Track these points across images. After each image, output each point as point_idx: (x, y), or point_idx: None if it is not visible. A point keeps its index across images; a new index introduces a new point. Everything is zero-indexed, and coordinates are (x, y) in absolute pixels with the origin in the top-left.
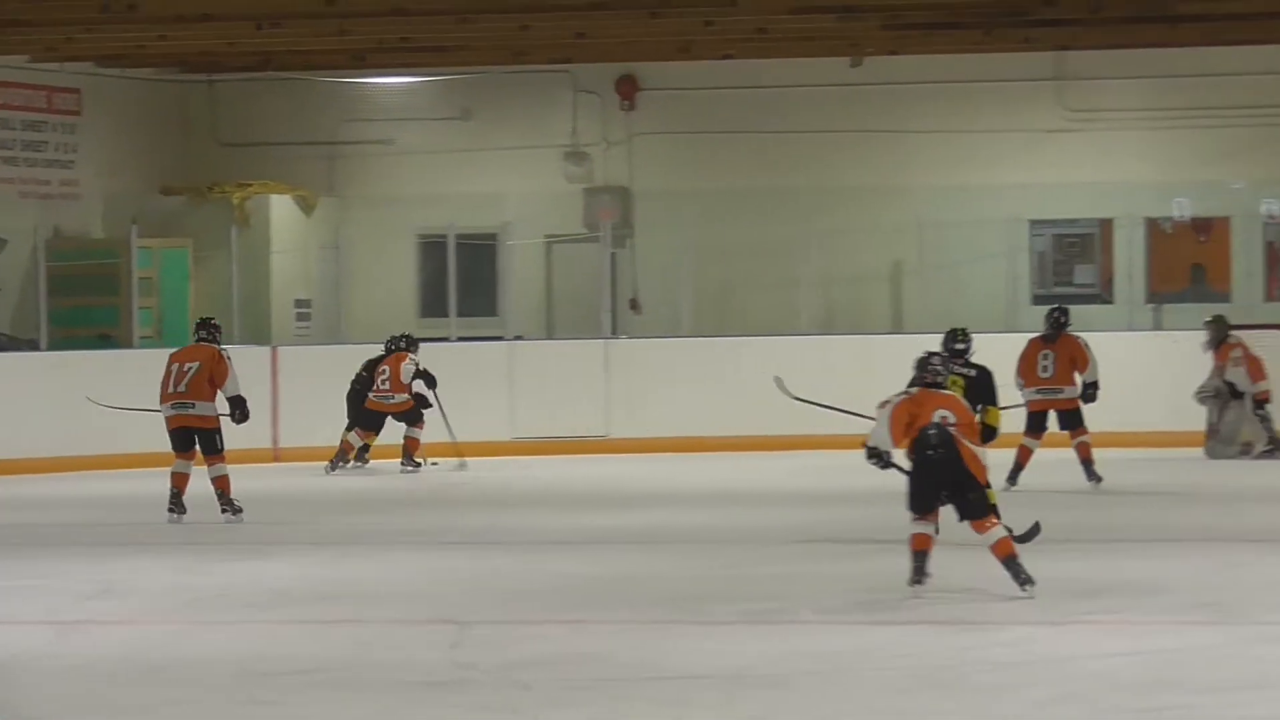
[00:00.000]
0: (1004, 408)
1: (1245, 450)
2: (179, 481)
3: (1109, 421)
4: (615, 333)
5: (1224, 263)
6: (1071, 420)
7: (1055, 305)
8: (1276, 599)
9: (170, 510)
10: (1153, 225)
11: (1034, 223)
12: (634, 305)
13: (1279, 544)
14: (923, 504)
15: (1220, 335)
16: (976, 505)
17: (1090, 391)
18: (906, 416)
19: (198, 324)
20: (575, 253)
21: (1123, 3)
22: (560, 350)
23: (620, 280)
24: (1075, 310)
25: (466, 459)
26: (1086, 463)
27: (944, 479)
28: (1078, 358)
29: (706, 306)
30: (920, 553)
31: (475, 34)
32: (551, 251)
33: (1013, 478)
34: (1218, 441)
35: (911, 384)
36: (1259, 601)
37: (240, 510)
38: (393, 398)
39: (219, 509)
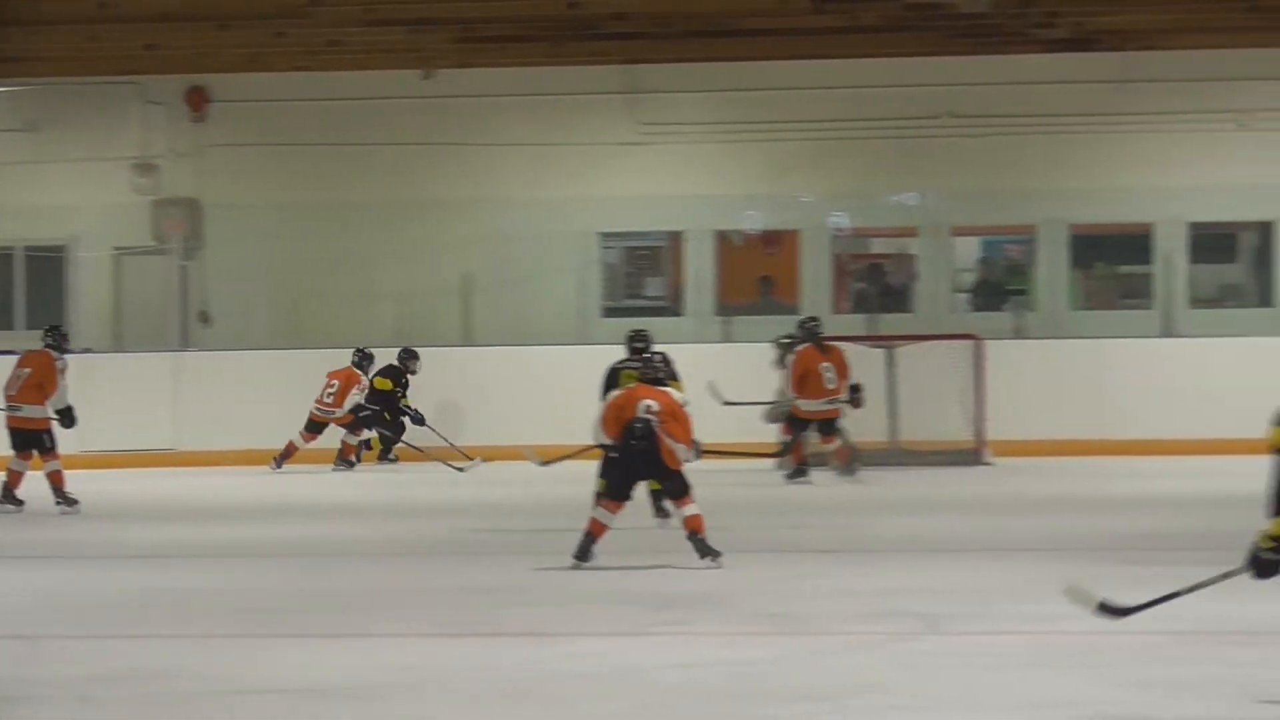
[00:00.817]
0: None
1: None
2: (12, 478)
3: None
4: (185, 345)
5: (792, 275)
6: (832, 427)
7: (810, 316)
8: (842, 609)
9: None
10: (722, 238)
11: (605, 235)
12: (204, 318)
13: (844, 555)
14: (620, 490)
15: (788, 353)
16: (676, 487)
17: (857, 396)
18: (616, 410)
19: (44, 330)
20: (145, 265)
21: (691, 17)
22: (130, 363)
23: (191, 293)
24: (645, 323)
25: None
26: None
27: (643, 468)
28: (845, 365)
29: (280, 319)
30: (594, 536)
31: (42, 45)
32: (121, 264)
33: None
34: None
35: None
36: (825, 612)
37: (75, 502)
38: (334, 412)
39: (54, 501)
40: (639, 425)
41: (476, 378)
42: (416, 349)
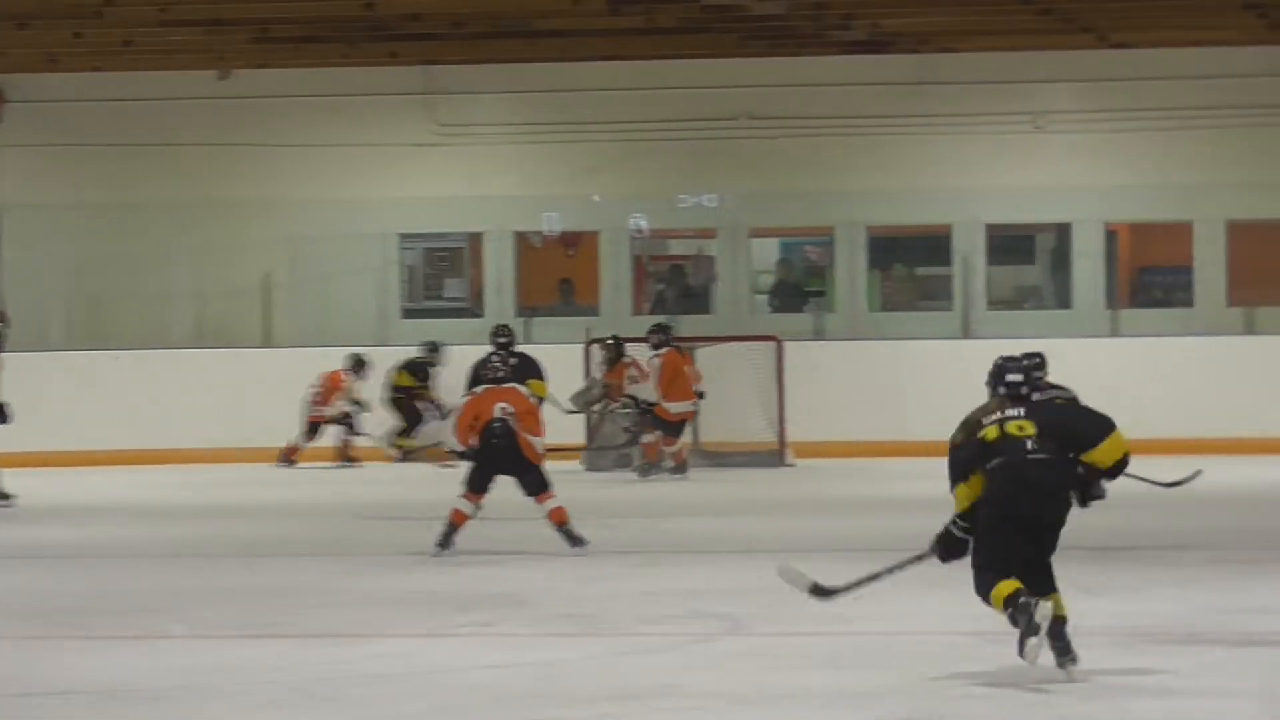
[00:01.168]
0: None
1: (624, 461)
2: None
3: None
4: None
5: (592, 276)
6: (681, 429)
7: (659, 323)
8: (645, 610)
9: None
10: (522, 239)
11: (404, 236)
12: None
13: (648, 555)
14: (480, 484)
15: (615, 355)
16: (534, 483)
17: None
18: (471, 415)
19: None
20: None
21: (488, 18)
22: None
23: None
24: (445, 324)
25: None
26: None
27: (503, 464)
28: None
29: (78, 319)
30: (455, 525)
31: None
32: None
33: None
34: (593, 453)
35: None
36: (628, 613)
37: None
38: (321, 411)
39: None
40: (498, 425)
41: (275, 379)
42: (439, 343)
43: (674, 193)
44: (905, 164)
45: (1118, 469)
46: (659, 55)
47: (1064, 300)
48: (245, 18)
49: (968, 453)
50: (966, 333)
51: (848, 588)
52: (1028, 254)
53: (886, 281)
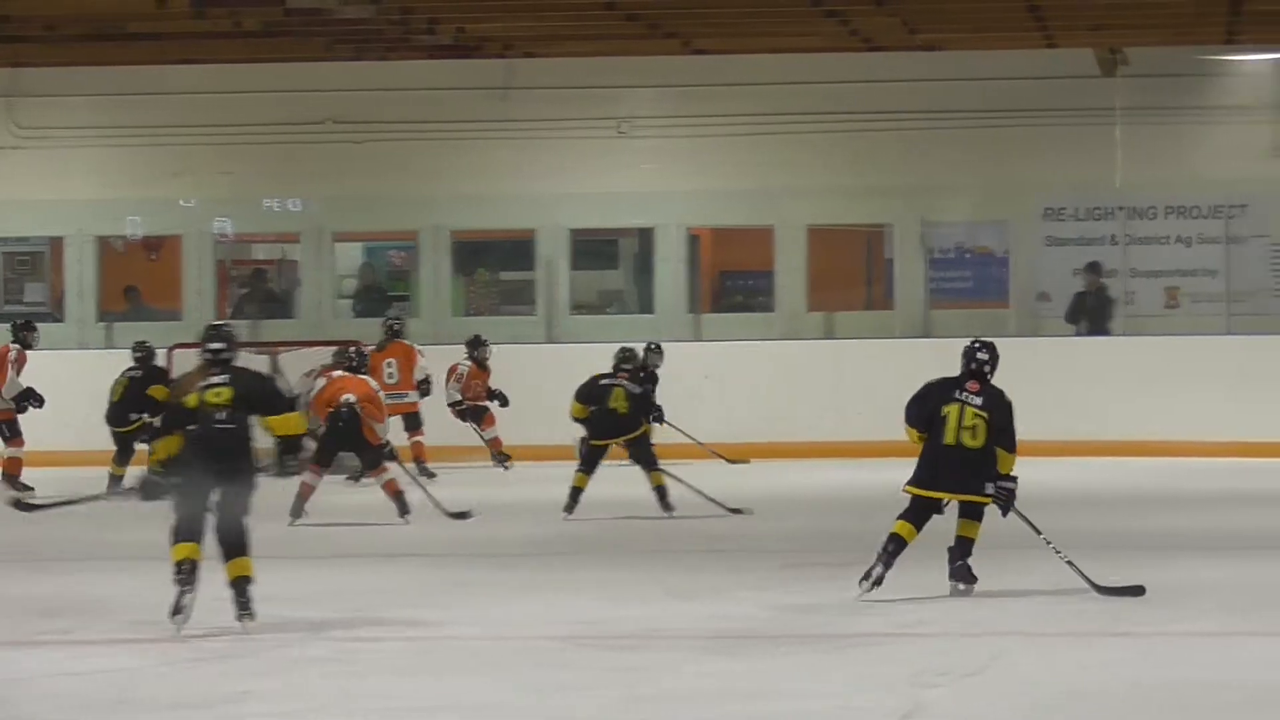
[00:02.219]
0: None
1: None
2: None
3: (67, 440)
4: None
5: (175, 281)
6: (414, 422)
7: (393, 314)
8: (223, 617)
9: None
10: (104, 243)
11: None
12: None
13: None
14: (326, 458)
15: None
16: (372, 459)
17: (426, 387)
18: (327, 395)
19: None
20: None
21: (74, 21)
22: None
23: None
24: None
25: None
26: (420, 460)
27: (346, 442)
28: (415, 361)
29: None
30: (302, 496)
31: None
32: None
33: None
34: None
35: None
36: (207, 620)
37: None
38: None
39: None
40: (344, 410)
41: None
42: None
43: (260, 196)
44: (490, 169)
45: None
46: (245, 58)
47: (647, 304)
48: None
49: None
50: (550, 337)
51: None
52: (611, 259)
53: (471, 286)
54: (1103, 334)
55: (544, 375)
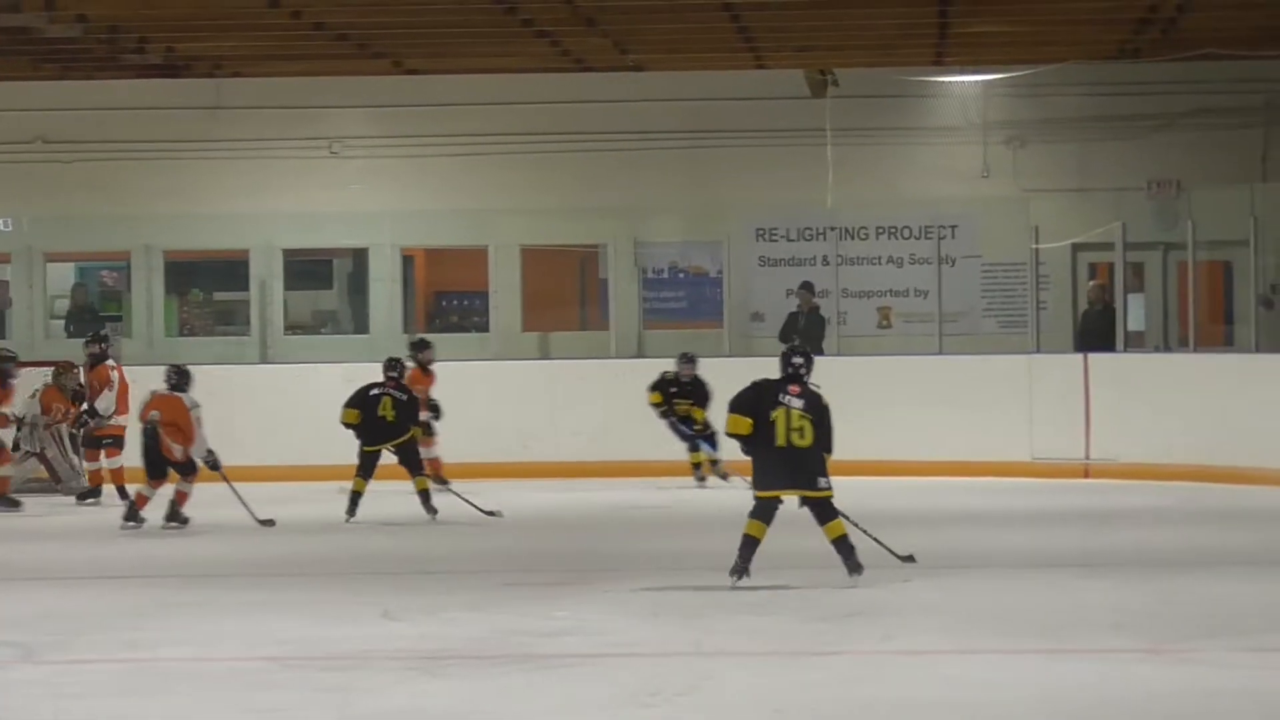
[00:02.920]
0: None
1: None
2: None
3: None
4: None
5: None
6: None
7: (90, 336)
8: None
9: None
10: None
11: None
12: None
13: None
14: (150, 470)
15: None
16: (185, 470)
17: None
18: (145, 410)
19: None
20: None
21: None
22: None
23: None
24: None
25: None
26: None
27: (150, 455)
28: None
29: None
30: (135, 505)
31: None
32: None
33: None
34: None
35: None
36: None
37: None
38: None
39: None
40: (148, 427)
41: None
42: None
43: None
44: (202, 188)
45: None
46: None
47: (362, 325)
48: None
49: None
50: (265, 357)
51: None
52: (325, 279)
53: (184, 307)
54: (816, 354)
55: (257, 396)
